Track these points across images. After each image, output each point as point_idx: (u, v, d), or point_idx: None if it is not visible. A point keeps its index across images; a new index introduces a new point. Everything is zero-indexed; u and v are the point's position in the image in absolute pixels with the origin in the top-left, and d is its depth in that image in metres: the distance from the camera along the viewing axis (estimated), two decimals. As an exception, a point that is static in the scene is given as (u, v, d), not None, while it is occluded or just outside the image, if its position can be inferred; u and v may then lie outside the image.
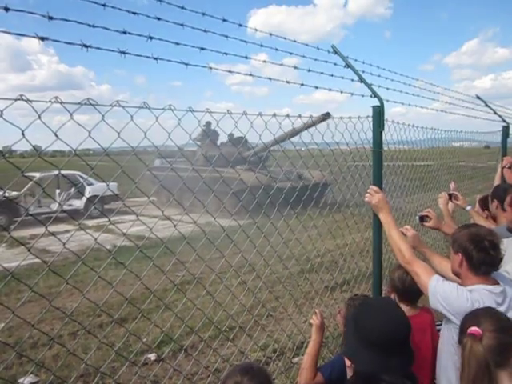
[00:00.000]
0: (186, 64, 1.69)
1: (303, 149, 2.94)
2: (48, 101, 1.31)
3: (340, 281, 4.51)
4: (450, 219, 3.11)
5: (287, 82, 2.23)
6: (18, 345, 4.26)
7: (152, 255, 2.17)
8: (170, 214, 2.25)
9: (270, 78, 2.13)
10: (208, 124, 10.65)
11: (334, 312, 3.48)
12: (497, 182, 4.62)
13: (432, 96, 3.70)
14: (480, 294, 1.75)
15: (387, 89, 2.78)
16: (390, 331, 1.43)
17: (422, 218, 2.74)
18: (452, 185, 3.78)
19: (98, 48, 1.40)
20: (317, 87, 2.49)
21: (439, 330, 2.09)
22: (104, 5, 1.39)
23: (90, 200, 13.51)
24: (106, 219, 1.84)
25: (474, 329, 1.36)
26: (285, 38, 2.22)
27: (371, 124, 2.45)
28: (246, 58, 1.99)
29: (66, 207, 13.39)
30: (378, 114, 2.41)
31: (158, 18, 1.57)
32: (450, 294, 1.79)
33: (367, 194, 2.31)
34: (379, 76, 2.77)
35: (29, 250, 1.56)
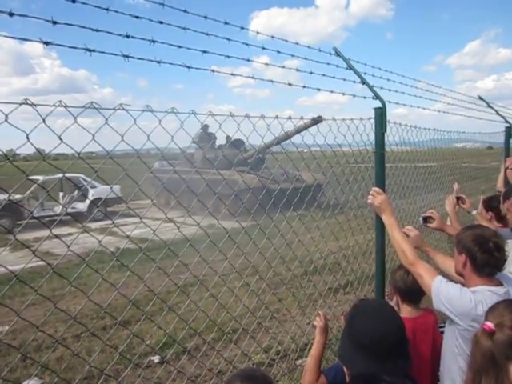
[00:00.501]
0: (189, 67, 1.70)
1: (305, 150, 2.94)
2: (52, 105, 1.32)
3: (343, 282, 4.50)
4: (457, 222, 3.08)
5: (289, 84, 2.23)
6: (22, 347, 4.28)
7: (155, 257, 2.17)
8: (172, 217, 2.25)
9: (271, 81, 2.14)
10: (205, 127, 10.67)
11: (337, 314, 3.48)
12: (500, 182, 4.60)
13: (434, 97, 3.70)
14: (483, 295, 1.74)
15: (389, 90, 2.78)
16: (382, 334, 1.42)
17: (426, 219, 2.74)
18: (455, 186, 3.76)
19: (102, 52, 1.42)
20: (319, 89, 2.50)
21: (442, 333, 2.08)
22: (107, 9, 1.40)
23: (94, 203, 13.55)
24: (109, 222, 1.85)
25: (487, 324, 1.37)
26: (286, 41, 2.23)
27: (373, 125, 2.45)
28: (248, 60, 2.00)
29: (69, 210, 13.44)
30: (380, 116, 2.41)
31: (161, 22, 1.59)
32: (453, 295, 1.78)
33: (370, 196, 2.31)
34: (381, 78, 2.77)
35: (33, 253, 1.57)
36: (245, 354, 3.37)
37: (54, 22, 1.25)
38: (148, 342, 4.44)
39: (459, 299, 1.76)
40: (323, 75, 2.44)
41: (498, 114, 5.29)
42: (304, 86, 2.30)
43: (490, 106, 5.13)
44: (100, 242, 1.79)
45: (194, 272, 2.51)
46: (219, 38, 1.83)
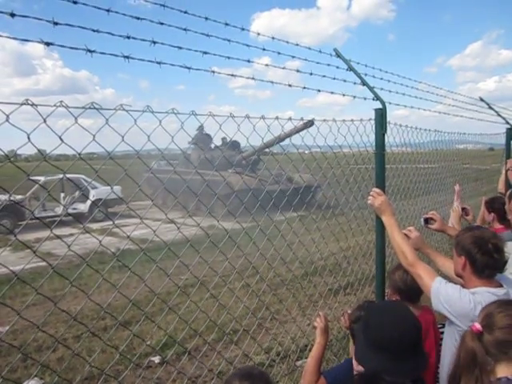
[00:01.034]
0: (189, 68, 1.70)
1: (306, 152, 2.94)
2: (53, 105, 1.33)
3: (344, 283, 4.50)
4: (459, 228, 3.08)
5: (289, 85, 2.24)
6: (22, 347, 4.28)
7: (155, 258, 2.18)
8: (172, 218, 2.26)
9: (272, 82, 2.14)
10: (200, 128, 10.68)
11: (337, 315, 3.48)
12: (501, 184, 4.60)
13: (435, 98, 3.70)
14: (483, 297, 1.74)
15: (389, 91, 2.78)
16: (400, 335, 1.41)
17: (427, 221, 2.73)
18: (457, 187, 3.76)
19: (103, 53, 1.42)
20: (319, 90, 2.50)
21: (442, 333, 2.08)
22: (108, 10, 1.41)
23: (95, 203, 13.57)
24: (110, 222, 1.86)
25: (475, 325, 1.37)
26: (287, 42, 2.24)
27: (373, 126, 2.45)
28: (249, 61, 2.01)
29: (70, 211, 13.47)
30: (381, 117, 2.41)
31: (161, 23, 1.59)
32: (452, 296, 1.78)
33: (370, 197, 2.31)
34: (382, 79, 2.77)
35: (34, 253, 1.58)
36: (245, 355, 3.37)
37: (56, 23, 1.26)
38: (148, 343, 4.44)
39: (459, 300, 1.76)
40: (324, 76, 2.45)
41: (499, 115, 5.29)
42: (304, 87, 2.30)
43: (491, 108, 5.13)
44: (101, 242, 1.80)
45: (195, 273, 2.51)
46: (220, 39, 1.84)
